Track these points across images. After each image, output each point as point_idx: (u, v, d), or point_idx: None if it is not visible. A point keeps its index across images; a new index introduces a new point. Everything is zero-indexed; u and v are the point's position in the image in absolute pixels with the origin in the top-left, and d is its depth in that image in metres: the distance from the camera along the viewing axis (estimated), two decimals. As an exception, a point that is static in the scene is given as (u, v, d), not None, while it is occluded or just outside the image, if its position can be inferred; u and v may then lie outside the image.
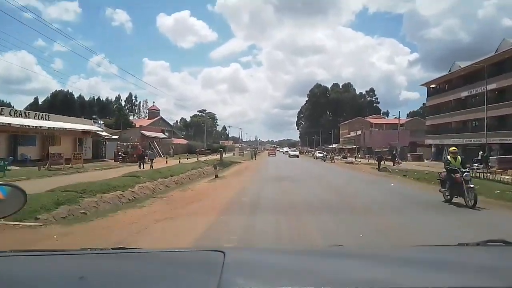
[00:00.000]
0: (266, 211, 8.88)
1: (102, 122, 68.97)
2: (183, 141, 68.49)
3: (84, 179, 14.48)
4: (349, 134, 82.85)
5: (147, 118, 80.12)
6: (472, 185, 9.89)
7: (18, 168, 19.97)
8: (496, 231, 6.44)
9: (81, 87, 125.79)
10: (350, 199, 11.64)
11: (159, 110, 79.74)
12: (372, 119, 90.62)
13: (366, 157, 55.26)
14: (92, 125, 31.86)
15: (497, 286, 1.03)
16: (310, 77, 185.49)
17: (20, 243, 5.65)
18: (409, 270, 1.22)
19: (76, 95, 79.11)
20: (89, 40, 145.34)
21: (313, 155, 71.16)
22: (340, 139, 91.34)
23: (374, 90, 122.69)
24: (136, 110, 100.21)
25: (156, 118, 71.83)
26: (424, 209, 9.98)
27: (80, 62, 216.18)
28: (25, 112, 26.02)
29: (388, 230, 6.96)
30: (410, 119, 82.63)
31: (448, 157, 11.35)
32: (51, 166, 20.52)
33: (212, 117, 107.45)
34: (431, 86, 45.87)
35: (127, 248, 1.72)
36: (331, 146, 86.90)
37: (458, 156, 11.27)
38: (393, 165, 32.74)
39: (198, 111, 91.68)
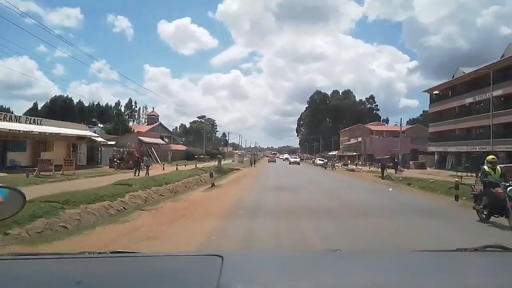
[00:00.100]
0: (265, 228, 7.73)
1: (101, 126, 69.36)
2: (181, 147, 67.71)
3: (72, 187, 13.53)
4: (349, 141, 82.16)
5: (146, 124, 79.41)
6: None
7: (6, 174, 19.02)
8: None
9: (82, 93, 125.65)
10: (362, 216, 10.05)
11: (158, 116, 79.11)
12: (373, 126, 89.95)
13: (367, 164, 54.40)
14: (86, 130, 30.89)
15: None
16: (310, 84, 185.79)
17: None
18: (408, 275, 1.23)
19: (75, 101, 78.47)
20: (90, 46, 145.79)
21: (313, 162, 70.12)
22: (340, 146, 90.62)
23: (374, 97, 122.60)
24: (136, 116, 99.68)
25: (155, 124, 71.15)
26: (458, 231, 8.10)
27: (81, 68, 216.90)
28: (15, 117, 25.07)
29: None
30: (410, 126, 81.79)
31: (485, 167, 9.39)
32: (40, 173, 19.56)
33: (212, 123, 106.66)
34: (434, 92, 45.02)
35: (125, 252, 1.70)
36: (331, 153, 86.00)
37: (498, 167, 9.47)
38: (395, 172, 31.82)
39: (197, 117, 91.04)
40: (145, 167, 24.63)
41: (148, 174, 22.75)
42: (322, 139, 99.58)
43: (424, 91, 49.89)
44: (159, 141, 52.75)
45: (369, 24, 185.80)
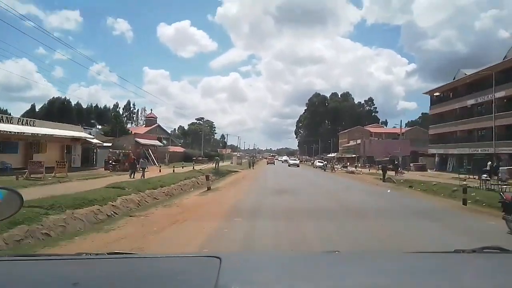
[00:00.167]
0: (264, 240, 6.99)
1: (100, 127, 68.57)
2: (180, 149, 67.11)
3: (62, 190, 12.90)
4: (349, 143, 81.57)
5: (144, 125, 78.82)
6: None
7: (-5, 177, 18.36)
8: None
9: (81, 95, 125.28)
10: (369, 223, 9.19)
11: (157, 117, 78.59)
12: (372, 128, 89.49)
13: (367, 166, 53.84)
14: (81, 131, 30.19)
15: None
16: (308, 87, 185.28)
17: None
18: (406, 276, 1.22)
19: (73, 103, 77.94)
20: (90, 48, 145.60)
21: (312, 164, 69.49)
22: (339, 148, 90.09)
23: (373, 100, 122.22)
24: (134, 118, 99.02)
25: (153, 126, 70.59)
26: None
27: (80, 70, 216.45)
28: (7, 118, 24.38)
29: None
30: (409, 128, 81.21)
31: None
32: (31, 176, 18.89)
33: (210, 125, 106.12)
34: (435, 94, 44.49)
35: (122, 253, 1.67)
36: (330, 155, 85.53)
37: None
38: (396, 175, 31.26)
39: (196, 119, 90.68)
40: (140, 169, 23.99)
41: (144, 177, 22.13)
42: (321, 141, 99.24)
43: (425, 93, 49.35)
44: (157, 142, 52.04)
45: (368, 27, 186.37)
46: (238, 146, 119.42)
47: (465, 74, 39.43)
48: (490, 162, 30.41)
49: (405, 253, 2.18)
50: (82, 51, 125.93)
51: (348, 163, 62.77)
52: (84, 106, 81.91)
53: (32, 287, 1.09)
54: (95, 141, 31.43)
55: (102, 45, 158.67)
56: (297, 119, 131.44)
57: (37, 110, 76.74)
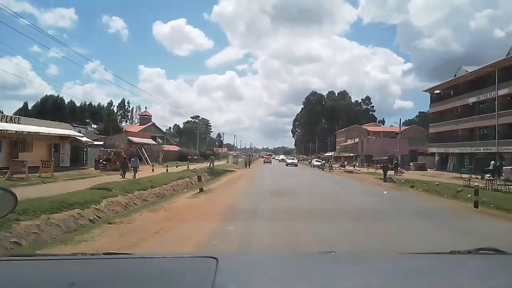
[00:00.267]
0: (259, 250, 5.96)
1: (95, 126, 67.13)
2: (174, 148, 65.94)
3: (43, 192, 11.83)
4: (346, 142, 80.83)
5: (139, 124, 77.55)
6: None
7: (-26, 177, 17.22)
8: None
9: (76, 93, 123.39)
10: (381, 230, 8.04)
11: (151, 116, 77.47)
12: (369, 127, 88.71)
13: (365, 165, 53.00)
14: (70, 129, 28.92)
15: None
16: (305, 86, 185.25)
17: None
18: (401, 277, 1.23)
19: (67, 101, 76.47)
20: (85, 46, 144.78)
21: (309, 163, 68.35)
22: (337, 147, 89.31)
23: (370, 98, 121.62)
24: (129, 116, 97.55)
25: (148, 124, 69.46)
26: None
27: (75, 68, 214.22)
28: (-11, 115, 23.21)
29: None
30: (407, 127, 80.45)
31: None
32: (13, 176, 17.73)
33: (206, 124, 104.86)
34: (435, 92, 43.56)
35: (118, 254, 1.67)
36: (327, 154, 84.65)
37: None
38: (395, 174, 30.35)
39: (191, 117, 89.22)
40: (132, 168, 22.90)
41: (135, 177, 21.07)
42: (318, 140, 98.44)
43: (425, 91, 48.35)
44: (150, 141, 50.81)
45: (364, 26, 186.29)
46: (235, 145, 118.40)
47: (467, 71, 38.52)
48: (493, 162, 29.57)
49: (401, 254, 2.15)
50: (77, 49, 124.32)
51: (346, 162, 61.92)
52: (78, 104, 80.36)
53: (30, 287, 1.08)
54: (84, 139, 30.17)
55: (97, 43, 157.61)
56: (294, 118, 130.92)
57: (30, 108, 75.47)
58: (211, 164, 33.46)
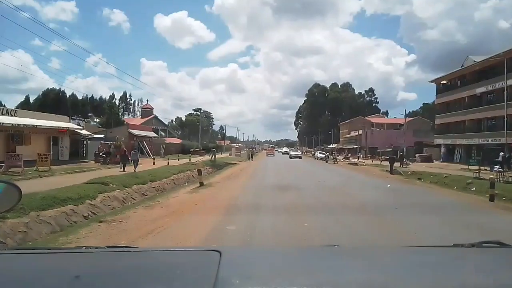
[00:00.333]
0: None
1: (97, 120, 66.57)
2: (177, 141, 65.47)
3: (37, 187, 11.21)
4: (350, 134, 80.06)
5: (140, 117, 77.02)
6: None
7: (-31, 171, 16.71)
8: None
9: (78, 87, 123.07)
10: (401, 232, 7.13)
11: (153, 108, 76.92)
12: (373, 119, 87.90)
13: (369, 157, 52.34)
14: (68, 122, 28.32)
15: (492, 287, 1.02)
16: (308, 78, 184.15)
17: None
18: (405, 271, 1.23)
19: (68, 94, 76.12)
20: (86, 40, 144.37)
21: (313, 155, 67.56)
22: (340, 139, 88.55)
23: (374, 90, 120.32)
24: (131, 109, 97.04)
25: (149, 117, 68.93)
26: None
27: (77, 62, 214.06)
28: (-15, 108, 22.64)
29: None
30: (411, 118, 79.47)
31: None
32: (9, 170, 17.21)
33: (208, 116, 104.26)
34: (441, 82, 42.62)
35: (122, 247, 1.66)
36: (330, 146, 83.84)
37: None
38: (401, 166, 29.67)
39: (193, 109, 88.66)
40: (131, 161, 22.36)
41: (135, 170, 20.54)
42: (321, 132, 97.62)
43: (431, 81, 47.36)
44: (152, 134, 50.24)
45: (367, 18, 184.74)
46: (237, 137, 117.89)
47: (474, 61, 37.54)
48: (502, 153, 28.88)
49: (404, 247, 2.14)
50: (79, 43, 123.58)
51: (350, 154, 61.28)
52: (80, 97, 79.95)
53: (34, 280, 1.08)
54: (84, 132, 29.59)
55: (98, 36, 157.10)
56: (297, 110, 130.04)
57: (31, 102, 75.06)
58: (213, 157, 32.90)
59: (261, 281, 1.06)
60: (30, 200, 8.77)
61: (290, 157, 56.54)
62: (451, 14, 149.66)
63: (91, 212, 10.35)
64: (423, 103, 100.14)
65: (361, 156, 55.12)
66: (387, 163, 31.21)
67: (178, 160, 31.55)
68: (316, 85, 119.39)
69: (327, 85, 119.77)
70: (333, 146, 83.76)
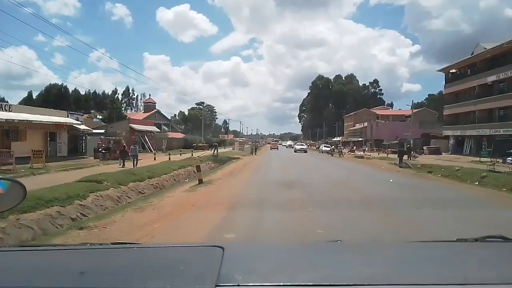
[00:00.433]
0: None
1: (100, 117, 65.95)
2: (179, 135, 64.67)
3: (29, 185, 10.32)
4: (354, 126, 78.77)
5: (143, 111, 76.21)
6: None
7: (-42, 169, 15.93)
8: None
9: (82, 82, 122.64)
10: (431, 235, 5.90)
11: (155, 103, 75.98)
12: (378, 111, 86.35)
13: (375, 150, 51.26)
14: (66, 117, 27.51)
15: (496, 282, 1.02)
16: (311, 70, 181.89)
17: None
18: (408, 266, 1.22)
19: (71, 89, 75.64)
20: (89, 35, 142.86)
21: (317, 148, 66.35)
22: (345, 132, 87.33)
23: (378, 81, 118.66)
24: (134, 104, 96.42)
25: (152, 112, 68.02)
26: None
27: (80, 57, 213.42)
28: (-22, 103, 21.85)
29: None
30: (417, 110, 78.01)
31: None
32: (0, 167, 16.43)
33: (211, 110, 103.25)
34: (450, 71, 41.34)
35: (126, 243, 1.69)
36: (335, 139, 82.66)
37: None
38: (409, 159, 28.66)
39: (196, 103, 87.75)
40: (131, 157, 21.58)
41: (135, 166, 19.78)
42: (325, 125, 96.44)
43: (439, 70, 46.03)
44: (153, 128, 49.40)
45: (371, 8, 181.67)
46: (241, 131, 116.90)
47: (485, 48, 36.21)
48: (515, 144, 27.82)
49: (408, 242, 2.13)
50: (81, 38, 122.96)
51: (355, 147, 60.16)
52: (83, 93, 79.56)
53: (39, 277, 1.08)
54: (82, 127, 28.80)
55: (101, 31, 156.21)
56: (300, 103, 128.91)
57: (34, 97, 74.76)
58: (215, 151, 32.06)
59: (264, 276, 1.05)
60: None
61: (295, 151, 54.46)
62: (456, 3, 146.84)
63: (80, 213, 9.54)
64: (429, 94, 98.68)
65: (367, 149, 54.01)
66: (394, 155, 30.21)
67: (180, 155, 30.73)
68: (320, 77, 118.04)
69: (331, 77, 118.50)
70: (338, 139, 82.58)
